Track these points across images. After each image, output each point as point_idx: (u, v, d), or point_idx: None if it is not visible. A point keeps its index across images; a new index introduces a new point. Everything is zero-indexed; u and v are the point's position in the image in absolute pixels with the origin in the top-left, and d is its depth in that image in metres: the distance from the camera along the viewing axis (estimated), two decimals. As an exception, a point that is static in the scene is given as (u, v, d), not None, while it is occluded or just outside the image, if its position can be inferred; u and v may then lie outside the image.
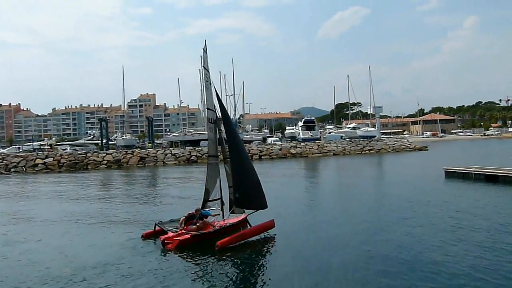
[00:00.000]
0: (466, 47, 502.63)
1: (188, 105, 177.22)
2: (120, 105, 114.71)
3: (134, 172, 55.26)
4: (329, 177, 42.30)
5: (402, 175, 39.26)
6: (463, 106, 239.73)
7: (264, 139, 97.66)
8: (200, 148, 73.24)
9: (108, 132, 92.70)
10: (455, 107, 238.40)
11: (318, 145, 78.30)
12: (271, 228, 16.34)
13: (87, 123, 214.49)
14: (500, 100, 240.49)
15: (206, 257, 13.75)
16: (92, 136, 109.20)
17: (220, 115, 17.59)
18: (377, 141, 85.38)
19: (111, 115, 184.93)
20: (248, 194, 16.77)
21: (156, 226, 16.30)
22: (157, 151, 71.77)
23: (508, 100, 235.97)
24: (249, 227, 16.53)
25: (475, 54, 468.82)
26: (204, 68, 17.83)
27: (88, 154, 67.77)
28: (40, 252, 15.23)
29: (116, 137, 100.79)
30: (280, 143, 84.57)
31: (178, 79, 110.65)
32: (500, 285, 10.53)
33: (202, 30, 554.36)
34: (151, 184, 40.87)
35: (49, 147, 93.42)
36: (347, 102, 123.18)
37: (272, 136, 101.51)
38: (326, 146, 78.17)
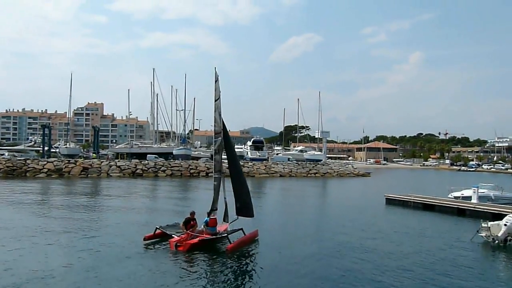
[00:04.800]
0: (409, 80, 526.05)
1: (137, 117, 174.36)
2: (66, 112, 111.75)
3: (75, 182, 53.42)
4: (274, 199, 42.78)
5: (346, 200, 40.59)
6: (405, 136, 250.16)
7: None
8: (146, 161, 72.05)
9: (51, 140, 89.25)
10: (397, 137, 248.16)
11: (266, 166, 79.11)
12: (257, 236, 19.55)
13: (28, 128, 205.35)
14: (439, 133, 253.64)
15: (214, 257, 16.43)
16: (33, 142, 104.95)
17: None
18: (323, 165, 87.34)
19: (55, 122, 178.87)
20: (246, 203, 19.91)
21: (157, 230, 18.48)
22: (102, 162, 69.99)
23: (446, 133, 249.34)
24: (244, 234, 18.80)
25: (417, 88, 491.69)
26: (216, 100, 19.60)
27: (28, 161, 65.04)
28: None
29: (59, 145, 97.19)
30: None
31: (128, 90, 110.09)
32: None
33: (157, 43, 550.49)
34: (92, 195, 39.73)
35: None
36: (296, 125, 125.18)
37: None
38: (273, 167, 79.12)
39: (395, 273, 14.52)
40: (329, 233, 22.46)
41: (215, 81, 19.67)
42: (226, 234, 18.09)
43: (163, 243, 18.02)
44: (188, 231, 17.63)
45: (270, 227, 23.26)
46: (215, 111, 19.62)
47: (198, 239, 17.33)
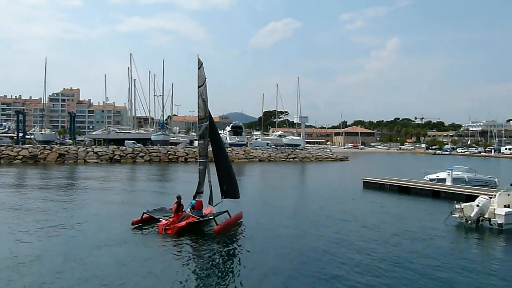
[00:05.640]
0: (387, 67, 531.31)
1: (114, 102, 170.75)
2: (41, 98, 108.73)
3: (52, 169, 52.61)
4: (255, 183, 42.97)
5: (324, 183, 41.05)
6: (382, 121, 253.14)
7: (191, 142, 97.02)
8: (124, 147, 71.36)
9: (26, 126, 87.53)
10: (375, 122, 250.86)
11: (245, 151, 79.17)
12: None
13: (2, 114, 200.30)
14: (416, 118, 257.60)
15: (201, 239, 17.01)
16: (7, 129, 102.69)
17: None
18: (302, 150, 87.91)
19: (30, 108, 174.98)
20: (233, 186, 20.73)
21: (144, 214, 18.82)
22: (78, 148, 68.93)
23: (422, 118, 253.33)
24: (229, 216, 19.39)
25: (395, 74, 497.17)
26: (199, 86, 19.76)
27: (2, 148, 63.61)
28: None
29: (34, 131, 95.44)
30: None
31: (105, 75, 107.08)
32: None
33: (135, 28, 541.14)
34: (71, 182, 39.24)
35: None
36: (275, 110, 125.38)
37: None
38: (252, 152, 79.27)
39: (372, 254, 14.87)
40: (309, 215, 22.92)
41: (198, 68, 19.76)
42: (212, 217, 18.55)
43: (151, 227, 18.33)
44: (176, 214, 18.07)
45: (253, 210, 23.50)
46: (198, 98, 19.85)
47: (185, 222, 17.78)
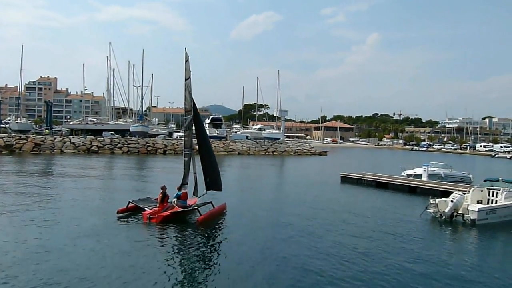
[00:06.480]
0: (367, 61, 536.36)
1: (92, 92, 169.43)
2: (17, 86, 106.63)
3: (27, 159, 51.60)
4: (235, 176, 42.92)
5: (303, 177, 41.26)
6: (361, 116, 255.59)
7: (170, 134, 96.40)
8: (102, 138, 70.45)
9: (1, 114, 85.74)
10: (354, 117, 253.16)
11: (224, 144, 79.00)
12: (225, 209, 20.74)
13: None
14: (394, 114, 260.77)
15: (185, 229, 17.30)
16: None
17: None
18: (281, 143, 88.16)
19: (5, 96, 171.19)
20: (216, 178, 21.25)
21: (129, 203, 19.17)
22: (55, 138, 67.76)
23: (400, 114, 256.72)
24: (213, 207, 19.76)
25: (374, 69, 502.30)
26: (186, 79, 19.99)
27: (-25, 137, 62.19)
28: None
29: (10, 120, 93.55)
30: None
31: (83, 64, 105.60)
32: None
33: (114, 17, 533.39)
34: (49, 172, 38.57)
35: None
36: (255, 103, 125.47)
37: (178, 131, 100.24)
38: (232, 145, 79.19)
39: (348, 247, 15.08)
40: (289, 208, 23.33)
41: (186, 61, 20.03)
42: (196, 207, 18.91)
43: (136, 216, 18.62)
44: (161, 204, 18.55)
45: (235, 201, 23.62)
46: (185, 90, 20.11)
47: (170, 211, 18.20)
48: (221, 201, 21.39)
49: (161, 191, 19.03)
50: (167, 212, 18.09)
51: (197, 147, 21.46)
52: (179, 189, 19.66)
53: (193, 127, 20.62)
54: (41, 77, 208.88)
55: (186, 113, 20.49)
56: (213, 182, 21.04)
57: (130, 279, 11.35)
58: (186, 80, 20.12)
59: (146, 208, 18.61)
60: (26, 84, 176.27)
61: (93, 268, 11.97)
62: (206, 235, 16.61)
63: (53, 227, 16.62)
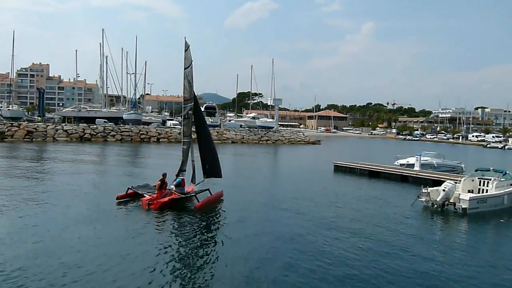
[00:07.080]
0: (361, 51, 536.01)
1: (85, 79, 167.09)
2: (8, 72, 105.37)
3: (20, 146, 51.26)
4: (230, 164, 42.86)
5: (297, 166, 41.42)
6: (355, 105, 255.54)
7: (164, 122, 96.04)
8: (95, 126, 70.08)
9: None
10: (348, 106, 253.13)
11: (218, 132, 78.86)
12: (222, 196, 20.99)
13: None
14: (387, 103, 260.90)
15: (183, 215, 17.56)
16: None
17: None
18: (275, 132, 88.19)
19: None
20: (215, 165, 21.58)
21: (129, 190, 19.57)
22: (47, 125, 67.35)
23: (394, 103, 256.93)
24: (210, 194, 19.93)
25: (369, 58, 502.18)
26: (185, 68, 20.06)
27: (-33, 124, 61.63)
28: None
29: (1, 107, 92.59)
30: (180, 127, 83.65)
31: (76, 50, 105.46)
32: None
33: (107, 3, 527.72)
34: (43, 160, 38.36)
35: None
36: (249, 92, 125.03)
37: (172, 120, 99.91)
38: (226, 134, 79.14)
39: (342, 235, 15.18)
40: (283, 196, 23.57)
41: (185, 50, 20.05)
42: (194, 194, 19.25)
43: (135, 202, 18.93)
44: (160, 190, 18.83)
45: (230, 189, 23.63)
46: (184, 79, 20.23)
47: (168, 198, 18.51)
48: (218, 188, 21.54)
49: (161, 177, 19.31)
50: (166, 199, 18.40)
51: (194, 135, 21.59)
52: (177, 175, 20.02)
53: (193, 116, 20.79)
54: (33, 63, 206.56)
55: (186, 101, 20.60)
56: (213, 169, 21.36)
57: (129, 265, 11.40)
58: (185, 68, 20.15)
59: (145, 195, 18.98)
60: (18, 70, 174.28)
61: (91, 255, 12.00)
62: (204, 221, 16.93)
63: (50, 213, 16.64)
